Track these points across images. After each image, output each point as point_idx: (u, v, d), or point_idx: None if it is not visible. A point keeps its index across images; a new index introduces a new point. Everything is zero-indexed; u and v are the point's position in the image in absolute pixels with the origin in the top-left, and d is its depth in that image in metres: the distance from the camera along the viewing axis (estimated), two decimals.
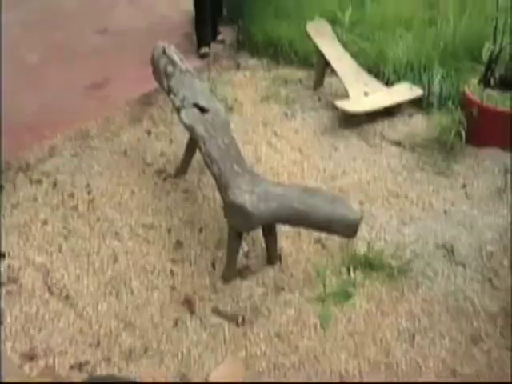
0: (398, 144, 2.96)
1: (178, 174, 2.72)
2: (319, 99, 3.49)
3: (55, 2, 5.08)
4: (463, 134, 2.73)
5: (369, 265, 2.10)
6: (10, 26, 4.41)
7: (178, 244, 2.28)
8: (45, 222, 2.37)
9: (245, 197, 1.89)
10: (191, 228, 2.38)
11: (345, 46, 3.61)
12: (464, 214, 2.40)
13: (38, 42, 4.17)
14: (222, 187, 2.06)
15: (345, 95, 3.26)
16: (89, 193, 2.58)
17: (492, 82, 2.79)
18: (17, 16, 4.68)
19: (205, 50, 3.92)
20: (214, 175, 2.15)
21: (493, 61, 2.76)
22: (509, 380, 1.66)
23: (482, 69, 2.95)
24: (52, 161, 2.80)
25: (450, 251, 2.17)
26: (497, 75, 2.79)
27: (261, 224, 1.98)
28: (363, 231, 2.24)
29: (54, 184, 2.63)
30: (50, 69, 3.75)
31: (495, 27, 2.75)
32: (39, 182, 2.63)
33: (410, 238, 2.26)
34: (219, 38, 4.21)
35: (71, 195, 2.55)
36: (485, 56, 2.82)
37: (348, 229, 1.83)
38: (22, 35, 4.31)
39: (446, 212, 2.42)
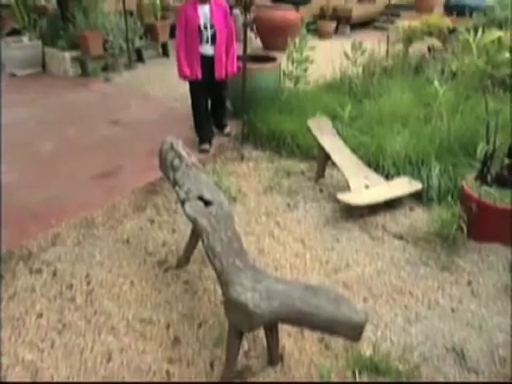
0: (400, 237, 3.00)
1: (180, 265, 2.73)
2: (321, 190, 3.61)
3: (70, 101, 5.51)
4: (464, 228, 2.78)
5: (375, 368, 2.02)
6: (26, 122, 4.76)
7: (176, 341, 2.22)
8: (40, 315, 2.33)
9: (246, 295, 1.88)
10: (190, 323, 2.33)
11: (345, 139, 3.83)
12: (472, 313, 2.36)
13: (51, 136, 4.44)
14: (224, 283, 2.06)
15: (346, 187, 3.38)
16: (88, 283, 2.57)
17: (489, 178, 2.91)
18: (33, 112, 5.06)
19: (205, 146, 4.08)
20: (215, 270, 2.16)
21: (488, 159, 2.90)
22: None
23: (477, 165, 3.10)
24: (54, 249, 2.83)
25: (460, 355, 2.09)
26: (493, 172, 2.92)
27: (262, 323, 1.94)
28: (368, 331, 2.19)
29: (54, 274, 2.63)
30: (61, 160, 3.96)
31: (487, 128, 2.94)
32: (39, 271, 2.64)
33: (417, 339, 2.20)
34: (226, 130, 4.40)
35: (70, 286, 2.54)
36: (479, 154, 2.98)
37: (352, 332, 1.79)
38: (36, 130, 4.61)
39: (453, 310, 2.38)
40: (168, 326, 2.30)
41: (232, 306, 1.92)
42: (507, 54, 4.30)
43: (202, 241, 2.33)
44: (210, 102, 4.17)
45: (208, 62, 3.82)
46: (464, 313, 2.36)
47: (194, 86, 3.95)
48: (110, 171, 3.80)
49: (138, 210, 3.30)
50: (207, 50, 3.80)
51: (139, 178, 3.66)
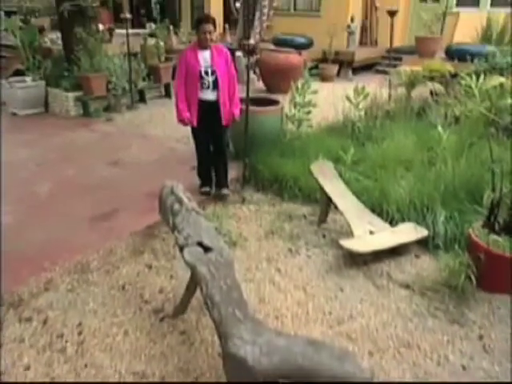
0: (406, 286, 2.96)
1: (177, 314, 2.68)
2: (323, 236, 3.61)
3: (71, 141, 5.64)
4: (473, 278, 2.75)
5: None
6: (25, 162, 4.85)
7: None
8: (27, 367, 2.27)
9: (246, 349, 1.84)
10: (186, 377, 2.27)
11: (347, 183, 3.87)
12: (485, 371, 2.29)
13: (49, 177, 4.52)
14: (222, 335, 2.02)
15: (349, 233, 3.38)
16: (80, 333, 2.52)
17: (496, 227, 2.91)
18: (32, 152, 5.17)
19: (205, 189, 4.13)
20: (214, 320, 2.13)
21: (495, 206, 2.92)
22: None
23: (484, 212, 3.11)
24: (46, 295, 2.80)
25: None
26: (500, 220, 2.92)
27: (262, 380, 1.89)
28: None
29: (45, 322, 2.58)
30: (58, 202, 4.01)
31: (493, 175, 2.98)
32: (29, 319, 2.60)
33: None
34: (224, 191, 4.15)
35: (60, 335, 2.49)
36: (486, 202, 3.00)
37: None
38: (34, 170, 4.71)
39: (464, 368, 2.31)
40: (163, 380, 2.23)
41: (230, 360, 1.88)
42: (510, 100, 4.42)
43: (201, 289, 2.32)
44: (212, 146, 4.09)
45: (209, 107, 3.80)
46: (476, 371, 2.30)
47: (195, 131, 3.97)
48: (107, 213, 3.82)
49: (135, 255, 3.29)
50: (208, 95, 3.78)
51: (137, 221, 3.68)
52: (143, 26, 10.53)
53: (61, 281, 2.94)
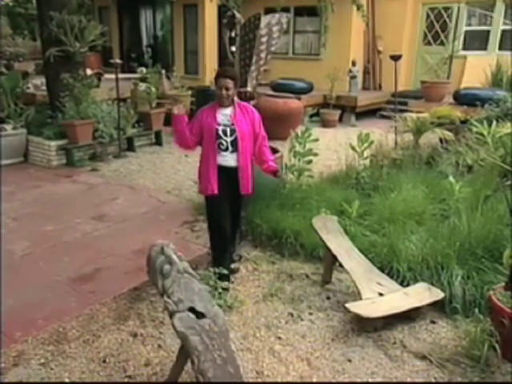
0: (422, 357, 2.90)
1: None
2: (328, 298, 3.57)
3: (52, 194, 5.70)
4: (498, 348, 2.70)
5: None
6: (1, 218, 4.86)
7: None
8: None
9: None
10: None
11: (353, 239, 3.89)
12: None
13: (25, 234, 4.52)
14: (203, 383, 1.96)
15: (356, 295, 3.35)
16: None
17: None
18: (10, 206, 5.19)
19: (225, 270, 3.42)
20: None
21: None
22: None
23: (505, 271, 3.11)
24: (15, 371, 2.71)
25: None
26: None
27: None
28: None
29: None
30: (35, 261, 3.98)
31: None
32: None
33: None
34: (235, 265, 3.94)
35: None
36: (506, 260, 3.00)
37: None
38: (10, 226, 4.71)
39: None
40: None
41: None
42: None
43: (192, 362, 2.27)
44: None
45: (228, 174, 3.50)
46: None
47: (212, 203, 3.58)
48: (89, 274, 3.79)
49: (118, 321, 3.23)
50: (227, 159, 3.48)
51: (122, 282, 3.65)
52: (134, 71, 10.95)
53: (33, 353, 2.86)
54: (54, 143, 6.76)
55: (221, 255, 3.64)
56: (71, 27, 6.91)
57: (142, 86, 8.36)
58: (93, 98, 7.23)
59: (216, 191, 3.49)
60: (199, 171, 3.61)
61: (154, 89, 8.23)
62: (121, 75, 7.58)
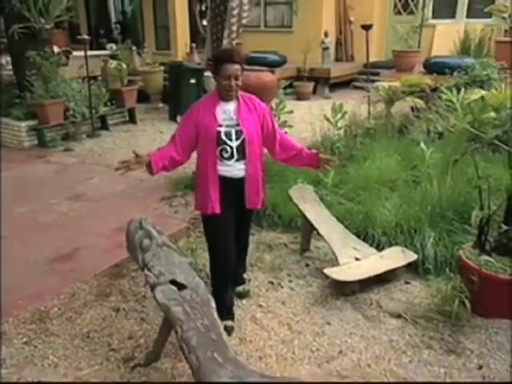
0: (397, 316, 3.00)
1: (149, 361, 2.63)
2: (307, 265, 3.64)
3: (25, 175, 5.56)
4: (467, 303, 2.82)
5: None
6: None
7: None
8: None
9: None
10: None
11: (329, 208, 3.95)
12: None
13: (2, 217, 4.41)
14: (201, 382, 2.00)
15: (334, 261, 3.42)
16: None
17: (487, 247, 3.01)
18: None
19: (226, 323, 2.72)
20: (191, 366, 2.11)
21: (484, 226, 3.02)
22: None
23: (473, 231, 3.21)
24: None
25: None
26: (491, 240, 3.02)
27: None
28: None
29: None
30: (12, 243, 3.89)
31: (480, 193, 3.09)
32: None
33: None
34: (245, 287, 3.27)
35: None
36: (475, 221, 3.10)
37: None
38: None
39: None
40: None
41: None
42: (492, 114, 4.63)
43: (175, 331, 2.30)
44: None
45: (234, 188, 2.76)
46: None
47: (213, 223, 2.81)
48: (68, 253, 3.76)
49: (100, 297, 3.22)
50: (231, 169, 2.72)
51: (103, 260, 3.63)
52: (103, 48, 10.63)
53: (15, 333, 2.84)
54: (23, 124, 6.56)
55: (220, 288, 2.89)
56: (34, 2, 6.60)
57: (113, 63, 8.12)
58: (62, 77, 7.00)
59: (218, 210, 2.72)
60: (196, 184, 2.88)
61: (124, 65, 8.00)
62: (90, 52, 7.35)
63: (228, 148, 2.67)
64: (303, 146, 3.02)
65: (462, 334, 2.80)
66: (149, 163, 2.65)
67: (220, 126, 2.65)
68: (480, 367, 2.56)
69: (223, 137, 2.66)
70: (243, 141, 2.68)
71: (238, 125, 2.67)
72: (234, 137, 2.67)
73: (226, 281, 2.93)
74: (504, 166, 3.33)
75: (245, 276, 3.36)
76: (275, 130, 2.86)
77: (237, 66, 2.61)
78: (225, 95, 2.67)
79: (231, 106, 2.70)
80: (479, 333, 2.81)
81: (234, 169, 2.73)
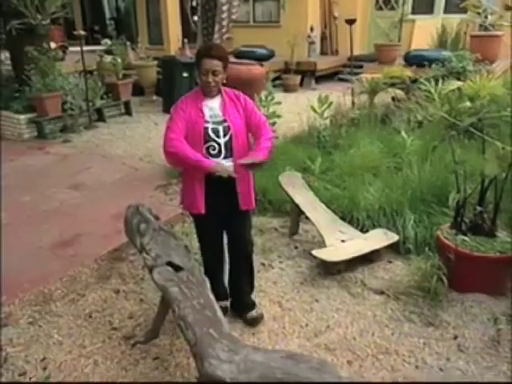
0: (381, 292, 3.04)
1: (149, 339, 2.65)
2: (296, 247, 3.66)
3: (26, 166, 5.49)
4: (445, 280, 2.86)
5: None
6: None
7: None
8: None
9: (223, 368, 1.85)
10: None
11: (317, 193, 3.96)
12: (461, 370, 2.38)
13: (4, 205, 4.33)
14: (198, 356, 2.01)
15: (321, 243, 3.45)
16: (44, 368, 2.44)
17: (463, 227, 3.05)
18: None
19: (221, 303, 2.54)
20: (188, 341, 2.12)
21: (460, 208, 3.06)
22: None
23: (451, 213, 3.26)
24: (5, 331, 2.69)
25: None
26: (467, 221, 3.07)
27: None
28: None
29: (5, 360, 2.49)
30: (15, 230, 3.87)
31: (456, 177, 3.13)
32: None
33: None
34: (255, 313, 2.80)
35: (23, 373, 2.40)
36: (452, 203, 3.14)
37: None
38: None
39: (441, 369, 2.40)
40: None
41: (208, 381, 1.87)
42: (468, 103, 4.67)
43: (173, 310, 2.31)
44: (229, 245, 2.81)
45: (221, 187, 2.53)
46: (453, 371, 2.38)
47: (201, 222, 2.71)
48: (69, 239, 3.74)
49: (101, 280, 3.23)
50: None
51: (102, 245, 3.62)
52: (98, 43, 10.45)
53: (21, 314, 2.85)
54: (23, 117, 6.46)
55: (213, 276, 2.64)
56: None
57: (108, 58, 8.01)
58: (59, 71, 6.88)
59: (203, 211, 2.56)
60: (182, 183, 2.73)
61: (119, 60, 7.91)
62: (85, 47, 7.25)
63: (215, 145, 2.50)
64: (265, 147, 2.52)
65: (440, 307, 2.85)
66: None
67: (207, 122, 2.49)
68: (455, 337, 2.62)
69: (211, 133, 2.48)
70: (231, 137, 2.50)
71: (224, 121, 2.51)
72: (221, 133, 2.50)
73: (216, 271, 2.85)
74: (478, 152, 3.37)
75: (253, 297, 2.88)
76: (259, 121, 2.61)
77: (215, 62, 2.41)
78: (206, 91, 2.51)
79: (216, 103, 2.54)
80: (455, 306, 2.86)
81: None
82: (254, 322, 2.77)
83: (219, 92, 2.55)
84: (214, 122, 2.50)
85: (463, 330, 2.67)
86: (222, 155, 2.51)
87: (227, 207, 2.60)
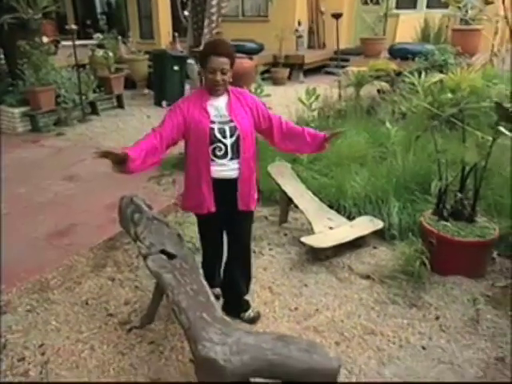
0: (367, 277, 3.08)
1: (144, 324, 2.65)
2: (285, 235, 3.68)
3: (20, 158, 5.42)
4: (427, 263, 2.90)
5: None
6: None
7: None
8: None
9: (216, 350, 1.86)
10: None
11: (305, 182, 3.97)
12: (442, 349, 2.43)
13: (3, 196, 4.31)
14: (192, 339, 2.02)
15: (310, 230, 3.47)
16: (42, 354, 2.43)
17: (445, 213, 3.09)
18: None
19: (214, 290, 2.53)
20: (182, 326, 2.13)
21: (442, 195, 3.10)
22: None
23: (433, 200, 3.29)
24: (4, 319, 2.68)
25: None
26: (448, 207, 3.10)
27: (234, 379, 1.91)
28: (342, 377, 2.20)
29: (4, 346, 2.48)
30: (12, 221, 3.83)
31: (438, 165, 3.16)
32: None
33: None
34: (249, 314, 2.71)
35: (22, 359, 2.40)
36: (434, 190, 3.18)
37: (327, 380, 1.80)
38: None
39: (424, 348, 2.44)
40: None
41: (201, 363, 1.89)
42: (449, 95, 4.68)
43: (167, 296, 2.31)
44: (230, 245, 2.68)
45: (227, 189, 2.42)
46: (435, 349, 2.43)
47: (204, 221, 2.58)
48: (65, 229, 3.71)
49: (97, 269, 3.21)
50: (224, 169, 2.38)
51: (97, 234, 3.60)
52: (90, 37, 10.28)
53: (19, 302, 2.83)
54: (17, 110, 6.36)
55: (207, 267, 2.75)
56: None
57: (100, 52, 7.90)
58: (52, 65, 6.77)
59: (213, 209, 2.44)
60: (185, 186, 2.52)
61: (111, 54, 7.80)
62: (78, 42, 7.12)
63: (222, 146, 2.32)
64: (304, 127, 2.58)
65: (423, 290, 2.89)
66: (125, 156, 2.18)
67: (212, 122, 2.31)
68: (437, 317, 2.67)
69: (217, 134, 2.30)
70: (238, 137, 2.33)
71: (231, 121, 2.33)
72: (228, 134, 2.31)
73: (214, 264, 2.79)
74: (459, 141, 3.39)
75: (247, 298, 2.78)
76: (271, 118, 2.48)
77: (223, 59, 2.23)
78: (212, 90, 2.32)
79: (222, 102, 2.35)
80: (437, 288, 2.91)
81: (228, 168, 2.37)
82: (252, 322, 2.68)
83: (225, 91, 2.37)
84: (220, 122, 2.32)
85: (444, 311, 2.71)
86: (229, 156, 2.35)
87: (228, 206, 2.47)
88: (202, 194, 2.40)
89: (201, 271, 2.45)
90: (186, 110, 2.31)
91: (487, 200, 3.47)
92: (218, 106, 2.34)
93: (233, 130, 2.33)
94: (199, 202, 2.44)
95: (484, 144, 2.83)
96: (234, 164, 2.38)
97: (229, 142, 2.33)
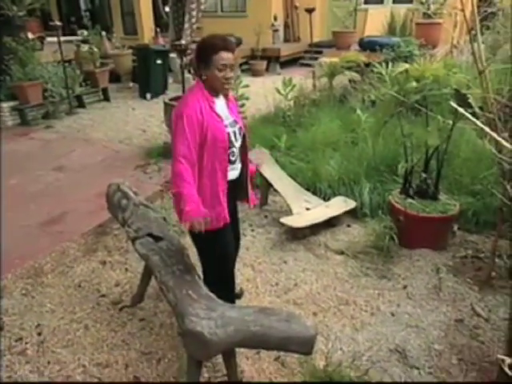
0: (341, 253, 3.11)
1: (134, 303, 2.64)
2: (266, 216, 3.68)
3: (11, 151, 5.24)
4: (396, 238, 2.95)
5: (329, 379, 2.04)
6: None
7: (136, 380, 2.12)
8: None
9: (202, 324, 1.86)
10: (149, 360, 2.25)
11: (283, 167, 3.97)
12: (409, 314, 2.49)
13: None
14: (179, 315, 2.02)
15: (288, 211, 3.48)
16: (39, 334, 2.40)
17: (411, 192, 3.13)
18: None
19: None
20: (170, 303, 2.12)
21: (408, 175, 3.14)
22: None
23: (400, 181, 3.33)
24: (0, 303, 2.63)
25: (402, 355, 2.18)
26: (414, 186, 3.15)
27: (220, 350, 1.92)
28: (320, 343, 2.23)
29: (1, 328, 2.43)
30: (6, 211, 3.71)
31: (404, 148, 3.19)
32: None
33: (364, 346, 2.27)
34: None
35: (19, 339, 2.36)
36: (401, 171, 3.21)
37: (304, 346, 1.82)
38: None
39: (393, 314, 2.49)
40: (126, 367, 2.20)
41: (189, 336, 1.89)
42: (414, 83, 4.71)
43: (155, 276, 2.29)
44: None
45: (232, 190, 2.14)
46: (402, 315, 2.49)
47: (222, 233, 2.13)
48: (56, 217, 3.64)
49: (88, 253, 3.17)
50: (233, 171, 2.13)
51: (88, 221, 3.54)
52: (74, 34, 9.94)
53: (14, 286, 2.77)
54: (5, 105, 6.13)
55: (226, 287, 2.31)
56: None
57: (85, 47, 7.65)
58: (38, 61, 6.53)
59: (229, 219, 2.11)
60: (200, 196, 1.97)
61: (96, 49, 7.56)
62: (63, 38, 6.85)
63: (235, 150, 2.06)
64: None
65: (392, 262, 2.95)
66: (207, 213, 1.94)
67: (226, 126, 2.00)
68: (405, 287, 2.72)
69: (232, 138, 2.02)
70: (243, 139, 2.11)
71: (235, 122, 2.07)
72: (238, 136, 2.07)
73: (230, 280, 2.38)
74: (423, 126, 3.43)
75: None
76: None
77: (231, 55, 1.95)
78: (220, 89, 1.99)
79: (222, 102, 2.06)
80: (404, 261, 2.97)
81: (237, 171, 2.14)
82: (236, 298, 2.55)
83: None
84: (229, 124, 2.03)
85: (411, 280, 2.77)
86: (238, 159, 2.11)
87: (231, 207, 2.19)
88: (220, 204, 2.04)
89: (186, 252, 2.43)
90: (201, 119, 1.92)
91: (448, 179, 3.53)
92: (222, 107, 2.04)
93: (239, 132, 2.09)
94: (217, 215, 2.05)
95: (445, 128, 2.86)
96: (239, 164, 2.15)
97: (238, 144, 2.08)
